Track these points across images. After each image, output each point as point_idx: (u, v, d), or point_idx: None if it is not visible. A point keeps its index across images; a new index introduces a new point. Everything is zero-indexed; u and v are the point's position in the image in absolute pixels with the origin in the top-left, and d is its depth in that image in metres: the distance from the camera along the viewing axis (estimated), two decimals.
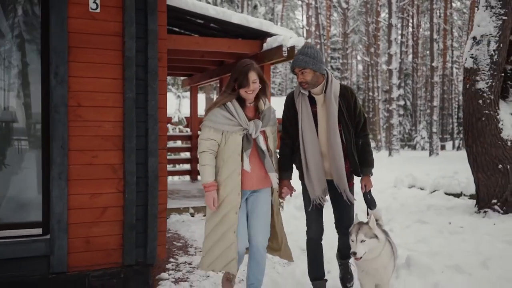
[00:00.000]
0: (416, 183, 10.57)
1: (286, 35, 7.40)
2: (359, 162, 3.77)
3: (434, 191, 9.14)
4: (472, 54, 7.02)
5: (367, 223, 3.36)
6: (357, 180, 3.86)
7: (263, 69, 7.89)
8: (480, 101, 6.87)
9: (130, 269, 4.04)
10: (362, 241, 3.26)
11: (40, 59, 3.85)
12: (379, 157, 22.82)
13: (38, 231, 3.86)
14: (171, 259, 4.95)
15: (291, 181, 3.83)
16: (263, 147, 3.56)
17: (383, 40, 43.65)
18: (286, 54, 7.16)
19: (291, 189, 3.83)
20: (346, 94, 3.70)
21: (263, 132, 3.60)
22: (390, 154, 27.81)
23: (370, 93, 43.69)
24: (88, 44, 3.87)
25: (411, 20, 43.80)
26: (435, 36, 28.20)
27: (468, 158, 7.22)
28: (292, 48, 7.15)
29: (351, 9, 41.29)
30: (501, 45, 6.90)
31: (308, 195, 3.77)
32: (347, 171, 3.71)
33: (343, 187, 3.70)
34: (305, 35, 43.23)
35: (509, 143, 6.88)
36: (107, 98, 3.94)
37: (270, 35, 7.68)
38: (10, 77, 4.07)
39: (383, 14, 41.63)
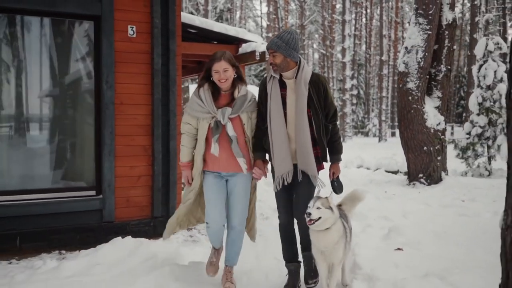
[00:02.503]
0: (363, 164, 12.55)
1: (258, 42, 9.08)
2: (328, 149, 3.81)
3: (376, 169, 11.14)
4: (404, 61, 8.92)
5: (326, 197, 3.50)
6: (326, 165, 3.93)
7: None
8: (410, 98, 8.79)
9: (157, 220, 5.65)
10: (318, 208, 3.38)
11: (94, 71, 5.40)
12: None
13: (92, 192, 5.43)
14: None
15: (268, 165, 3.91)
16: (231, 133, 3.67)
17: (338, 30, 45.65)
18: (258, 58, 8.83)
19: (263, 170, 3.85)
20: (317, 81, 3.70)
21: (238, 118, 3.75)
22: (343, 140, 30.07)
23: None
24: (127, 59, 5.42)
25: (364, 12, 46.06)
26: (385, 32, 30.38)
27: (401, 142, 9.17)
28: (263, 53, 8.82)
29: (307, 1, 43.15)
30: (426, 54, 8.82)
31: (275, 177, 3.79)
32: (317, 155, 3.74)
33: (311, 172, 3.67)
34: (264, 24, 44.88)
35: (432, 130, 8.85)
36: (141, 98, 5.51)
37: (244, 41, 9.33)
38: (68, 84, 5.56)
39: (338, 5, 43.54)
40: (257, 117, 3.85)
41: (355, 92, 37.78)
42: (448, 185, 8.73)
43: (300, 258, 3.95)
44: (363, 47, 47.83)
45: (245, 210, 3.85)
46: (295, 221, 3.86)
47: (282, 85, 3.73)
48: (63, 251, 4.96)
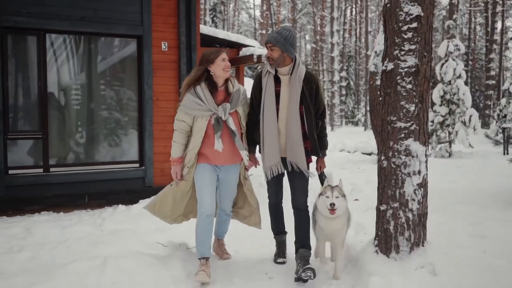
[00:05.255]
0: (345, 148, 14.58)
1: (256, 47, 11.03)
2: None
3: (355, 152, 13.18)
4: (374, 63, 10.93)
5: (336, 186, 3.69)
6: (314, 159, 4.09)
7: (238, 70, 11.55)
8: (378, 92, 10.79)
9: None
10: (336, 197, 3.55)
11: (137, 76, 7.35)
12: None
13: (136, 165, 7.41)
14: None
15: (257, 154, 4.13)
16: (233, 127, 3.81)
17: (329, 23, 47.23)
18: (255, 60, 10.79)
19: (255, 162, 4.15)
20: (310, 80, 3.84)
21: (235, 112, 3.90)
22: (332, 129, 32.12)
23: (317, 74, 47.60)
24: (161, 67, 7.38)
25: (353, 5, 47.83)
26: (370, 28, 32.26)
27: (372, 128, 11.19)
28: (259, 56, 10.77)
29: None
30: None
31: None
32: (306, 149, 3.88)
33: (301, 165, 3.82)
34: (257, 14, 46.56)
35: None
36: (171, 96, 7.47)
37: (244, 45, 11.28)
38: (116, 85, 7.51)
39: None
40: (249, 109, 4.03)
41: (344, 83, 39.75)
42: None
43: (286, 228, 4.29)
44: (353, 39, 49.71)
45: (233, 196, 4.17)
46: (293, 212, 4.04)
47: (277, 81, 3.85)
48: (120, 205, 6.94)
